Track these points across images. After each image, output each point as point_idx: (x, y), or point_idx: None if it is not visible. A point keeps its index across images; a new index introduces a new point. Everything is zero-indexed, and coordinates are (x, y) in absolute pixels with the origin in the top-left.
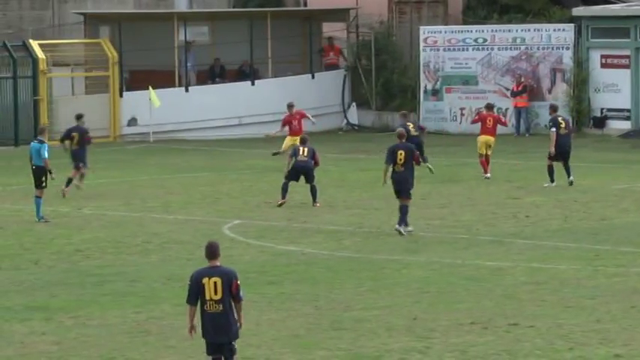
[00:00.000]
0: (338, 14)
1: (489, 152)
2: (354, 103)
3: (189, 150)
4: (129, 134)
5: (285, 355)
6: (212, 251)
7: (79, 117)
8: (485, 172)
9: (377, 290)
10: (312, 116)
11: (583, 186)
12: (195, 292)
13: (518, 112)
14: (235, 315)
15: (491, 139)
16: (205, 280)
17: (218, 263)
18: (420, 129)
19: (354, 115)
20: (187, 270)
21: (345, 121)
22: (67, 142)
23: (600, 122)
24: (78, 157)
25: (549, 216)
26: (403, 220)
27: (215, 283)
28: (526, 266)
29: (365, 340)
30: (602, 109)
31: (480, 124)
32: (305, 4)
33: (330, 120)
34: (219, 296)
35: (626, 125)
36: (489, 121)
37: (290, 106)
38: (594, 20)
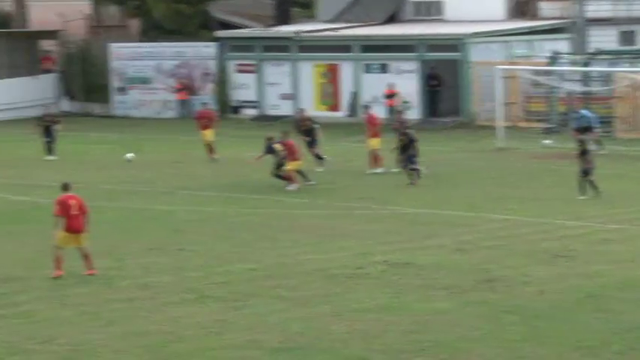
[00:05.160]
0: (50, 34)
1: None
2: (66, 96)
3: None
4: None
5: None
6: None
7: None
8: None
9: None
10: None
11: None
12: None
13: (182, 103)
14: None
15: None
16: None
17: None
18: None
19: (66, 104)
20: None
21: (59, 109)
22: None
23: (236, 110)
24: None
25: (203, 175)
26: None
27: None
28: (189, 209)
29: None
30: (237, 101)
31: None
32: (25, 27)
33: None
34: None
35: (254, 112)
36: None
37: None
38: (231, 40)
